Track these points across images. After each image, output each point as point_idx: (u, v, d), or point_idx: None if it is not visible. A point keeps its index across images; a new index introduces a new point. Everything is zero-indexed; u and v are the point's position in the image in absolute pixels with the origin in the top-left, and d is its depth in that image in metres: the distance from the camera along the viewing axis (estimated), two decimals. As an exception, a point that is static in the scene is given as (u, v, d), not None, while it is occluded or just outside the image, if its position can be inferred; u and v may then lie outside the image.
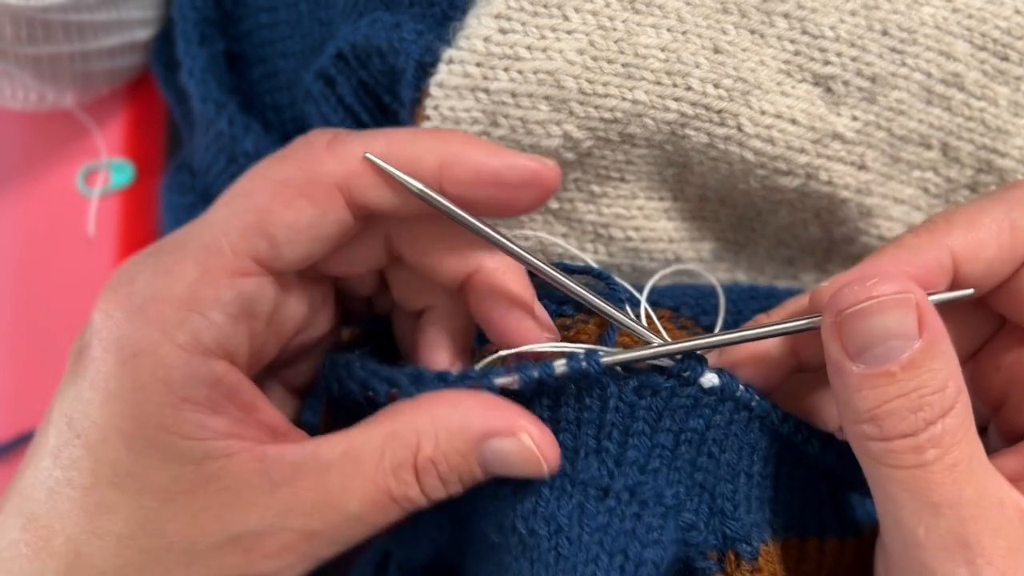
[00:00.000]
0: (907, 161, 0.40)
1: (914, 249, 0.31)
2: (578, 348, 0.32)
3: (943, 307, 0.30)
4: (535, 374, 0.31)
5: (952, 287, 0.31)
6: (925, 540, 0.28)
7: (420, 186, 0.31)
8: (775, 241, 0.44)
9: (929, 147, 0.40)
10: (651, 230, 0.43)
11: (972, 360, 0.34)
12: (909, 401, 0.28)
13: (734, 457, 0.33)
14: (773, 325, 0.32)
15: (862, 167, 0.39)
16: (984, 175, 0.41)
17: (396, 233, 0.33)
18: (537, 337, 0.33)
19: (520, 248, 0.32)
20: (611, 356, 0.31)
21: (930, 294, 0.29)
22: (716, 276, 0.46)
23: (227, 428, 0.30)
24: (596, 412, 0.32)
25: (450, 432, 0.30)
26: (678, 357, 0.32)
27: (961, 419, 0.28)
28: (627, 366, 0.32)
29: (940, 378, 0.28)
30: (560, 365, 0.31)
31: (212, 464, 0.29)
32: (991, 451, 0.30)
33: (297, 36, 0.51)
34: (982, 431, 0.32)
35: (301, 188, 0.30)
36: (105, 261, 0.53)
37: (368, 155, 0.30)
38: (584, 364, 0.31)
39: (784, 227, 0.43)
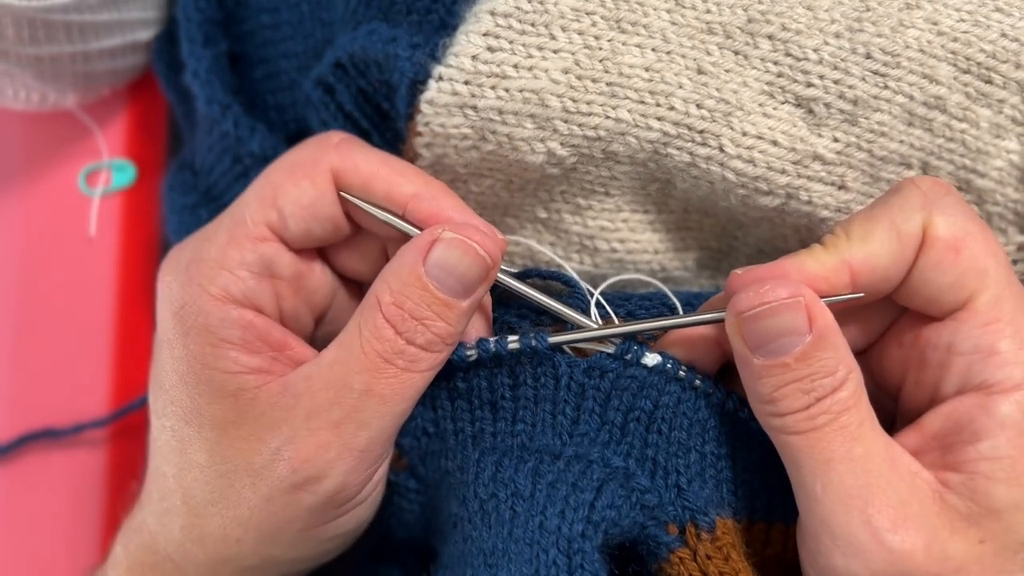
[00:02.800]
0: (887, 181, 0.40)
1: (819, 262, 0.34)
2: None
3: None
4: (492, 348, 0.36)
5: (854, 291, 0.34)
6: (822, 495, 0.31)
7: (386, 215, 0.36)
8: (756, 250, 0.45)
9: (909, 167, 0.40)
10: (636, 242, 0.44)
11: (878, 342, 0.37)
12: (803, 385, 0.32)
13: (684, 435, 0.36)
14: (688, 316, 0.37)
15: (842, 187, 0.40)
16: (963, 195, 0.41)
17: (391, 246, 0.37)
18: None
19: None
20: (556, 336, 0.36)
21: (825, 297, 0.33)
22: (699, 284, 0.47)
23: (260, 364, 0.35)
24: (550, 390, 0.36)
25: (394, 273, 0.34)
26: (619, 340, 0.36)
27: (851, 392, 0.32)
28: (580, 351, 0.37)
29: (830, 364, 0.32)
30: (513, 341, 0.36)
31: (246, 395, 0.34)
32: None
33: (299, 36, 0.51)
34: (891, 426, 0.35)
35: (306, 171, 0.36)
36: (106, 261, 0.53)
37: (342, 193, 0.36)
38: (533, 342, 0.36)
39: (765, 239, 0.44)
